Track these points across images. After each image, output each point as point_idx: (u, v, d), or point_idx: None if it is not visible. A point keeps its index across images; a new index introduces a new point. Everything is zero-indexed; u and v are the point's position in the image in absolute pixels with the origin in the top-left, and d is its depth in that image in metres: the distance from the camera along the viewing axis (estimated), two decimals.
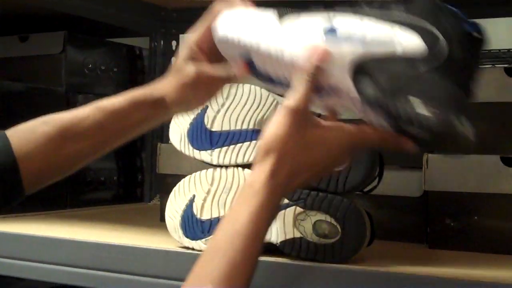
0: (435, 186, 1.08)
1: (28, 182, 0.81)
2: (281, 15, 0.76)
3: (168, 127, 1.62)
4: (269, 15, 0.77)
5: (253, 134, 0.96)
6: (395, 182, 1.13)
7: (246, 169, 0.95)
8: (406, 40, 0.69)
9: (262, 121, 0.97)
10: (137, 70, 1.70)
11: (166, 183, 1.29)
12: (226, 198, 0.94)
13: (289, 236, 0.92)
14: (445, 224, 1.06)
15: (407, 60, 0.69)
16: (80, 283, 1.02)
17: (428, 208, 1.09)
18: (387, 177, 1.02)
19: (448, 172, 1.07)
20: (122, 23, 1.64)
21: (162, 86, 0.85)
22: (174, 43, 1.68)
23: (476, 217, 1.05)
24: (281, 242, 0.92)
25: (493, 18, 2.48)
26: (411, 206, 1.14)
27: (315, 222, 0.91)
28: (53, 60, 1.52)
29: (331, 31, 0.72)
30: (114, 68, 1.64)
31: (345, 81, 0.71)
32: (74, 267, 1.03)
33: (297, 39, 0.74)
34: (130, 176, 1.65)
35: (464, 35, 0.72)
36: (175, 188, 1.00)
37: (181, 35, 1.68)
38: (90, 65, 1.57)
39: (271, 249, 0.91)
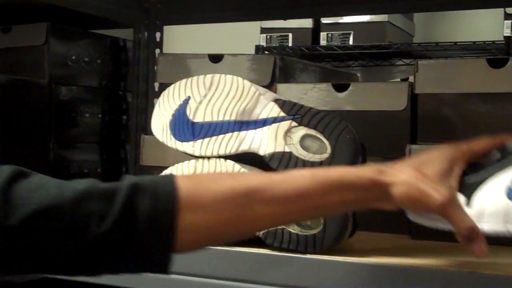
0: None
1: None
2: None
3: None
4: None
5: (235, 125, 0.96)
6: None
7: (228, 160, 0.95)
8: None
9: (244, 112, 0.96)
10: (121, 62, 1.69)
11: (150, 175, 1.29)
12: None
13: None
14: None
15: None
16: None
17: None
18: None
19: None
20: (106, 14, 1.62)
21: None
22: (158, 34, 1.67)
23: None
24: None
25: (479, 9, 2.50)
26: None
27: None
28: (36, 52, 1.51)
29: None
30: (98, 59, 1.63)
31: None
32: None
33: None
34: (114, 168, 1.64)
35: None
36: None
37: (165, 27, 1.67)
38: (74, 57, 1.56)
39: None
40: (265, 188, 0.73)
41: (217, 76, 1.00)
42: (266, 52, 2.84)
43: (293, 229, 0.90)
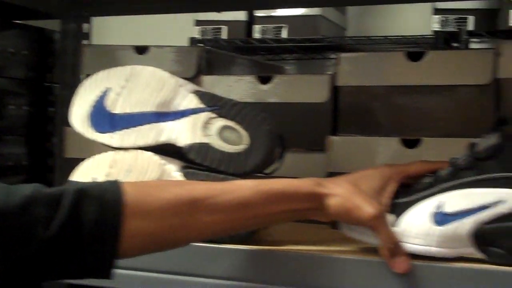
0: (339, 168, 1.10)
1: None
2: None
3: None
4: None
5: (154, 116, 0.96)
6: (300, 165, 1.14)
7: (147, 152, 0.95)
8: (510, 197, 0.80)
9: (164, 103, 0.96)
10: (48, 53, 1.67)
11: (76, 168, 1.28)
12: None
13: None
14: None
15: None
16: None
17: None
18: (291, 160, 1.03)
19: (352, 154, 1.10)
20: (33, 4, 1.60)
21: None
22: (85, 26, 1.65)
23: None
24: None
25: (409, 3, 2.55)
26: None
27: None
28: None
29: (439, 214, 0.81)
30: (24, 50, 1.61)
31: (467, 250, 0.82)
32: None
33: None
34: (39, 161, 1.62)
35: None
36: (73, 172, 0.99)
37: (92, 18, 1.65)
38: None
39: None
40: (209, 197, 0.76)
41: (137, 67, 1.00)
42: (201, 44, 2.84)
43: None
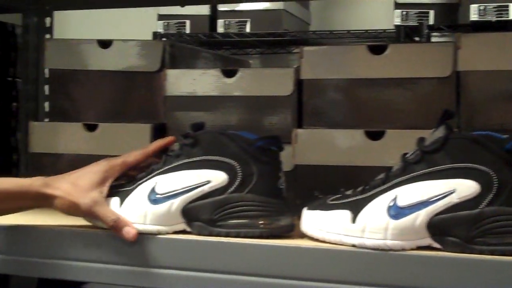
0: (305, 160, 1.12)
1: None
2: None
3: (44, 106, 1.60)
4: None
5: None
6: None
7: None
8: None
9: None
10: (10, 48, 1.65)
11: (41, 163, 1.27)
12: None
13: None
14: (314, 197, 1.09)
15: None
16: None
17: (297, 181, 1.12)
18: None
19: (317, 146, 1.11)
20: None
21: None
22: (48, 19, 1.64)
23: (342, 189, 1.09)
24: None
25: None
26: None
27: None
28: None
29: (395, 207, 0.84)
30: None
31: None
32: None
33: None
34: (5, 156, 1.60)
35: None
36: None
37: (54, 12, 1.64)
38: None
39: None
40: None
41: None
42: (164, 39, 2.83)
43: None
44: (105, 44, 1.28)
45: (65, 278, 0.96)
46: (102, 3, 1.73)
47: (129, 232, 0.91)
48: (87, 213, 0.93)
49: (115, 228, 0.92)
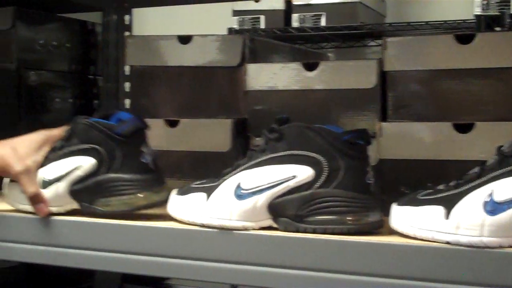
0: (390, 155, 1.09)
1: None
2: None
3: (124, 103, 1.61)
4: None
5: None
6: None
7: None
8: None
9: None
10: (90, 46, 1.67)
11: None
12: None
13: None
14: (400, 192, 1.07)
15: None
16: None
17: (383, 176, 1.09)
18: None
19: (403, 140, 1.08)
20: None
21: None
22: (127, 17, 1.65)
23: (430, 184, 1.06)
24: None
25: None
26: None
27: None
28: (3, 36, 1.49)
29: (492, 203, 0.80)
30: (67, 43, 1.61)
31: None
32: None
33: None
34: None
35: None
36: None
37: (133, 9, 1.66)
38: (42, 41, 1.54)
39: None
40: None
41: None
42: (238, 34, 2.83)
43: None
44: (185, 39, 1.28)
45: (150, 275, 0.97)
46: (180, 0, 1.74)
47: (42, 209, 1.01)
48: (15, 178, 1.03)
49: (31, 200, 1.02)
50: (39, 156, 1.04)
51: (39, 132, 1.06)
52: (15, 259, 1.10)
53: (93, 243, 1.00)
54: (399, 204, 0.88)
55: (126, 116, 1.02)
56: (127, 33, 1.64)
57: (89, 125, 1.02)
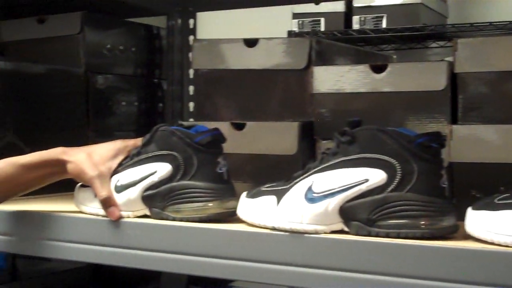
0: (462, 158, 1.07)
1: None
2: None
3: (189, 106, 1.62)
4: None
5: None
6: None
7: None
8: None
9: None
10: (155, 50, 1.69)
11: None
12: None
13: None
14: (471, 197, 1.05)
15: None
16: None
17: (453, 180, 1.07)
18: None
19: (474, 143, 1.06)
20: (140, 2, 1.63)
21: None
22: (191, 21, 1.66)
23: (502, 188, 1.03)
24: None
25: None
26: None
27: None
28: (71, 41, 1.52)
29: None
30: (133, 48, 1.63)
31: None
32: None
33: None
34: None
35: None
36: None
37: (198, 13, 1.67)
38: (109, 45, 1.57)
39: None
40: None
41: None
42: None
43: None
44: (251, 43, 1.28)
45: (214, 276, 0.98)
46: (239, 3, 1.74)
47: (114, 212, 1.03)
48: (89, 182, 1.04)
49: (103, 203, 1.03)
50: (114, 163, 1.06)
51: (116, 141, 1.09)
52: (82, 260, 1.11)
53: (160, 244, 1.00)
54: (474, 208, 0.86)
55: (205, 128, 1.04)
56: (191, 37, 1.65)
57: (169, 132, 1.03)
